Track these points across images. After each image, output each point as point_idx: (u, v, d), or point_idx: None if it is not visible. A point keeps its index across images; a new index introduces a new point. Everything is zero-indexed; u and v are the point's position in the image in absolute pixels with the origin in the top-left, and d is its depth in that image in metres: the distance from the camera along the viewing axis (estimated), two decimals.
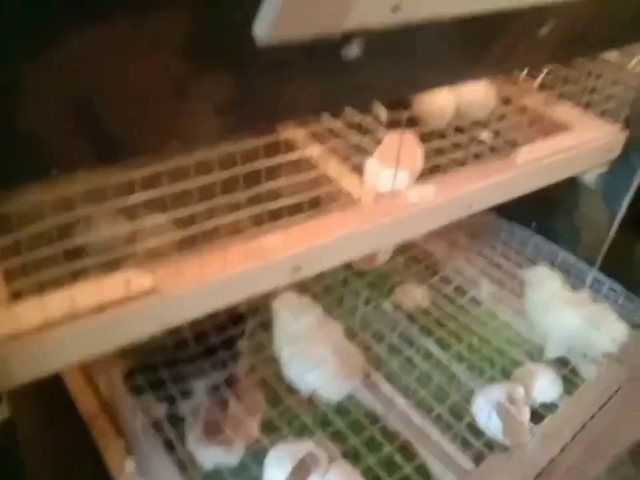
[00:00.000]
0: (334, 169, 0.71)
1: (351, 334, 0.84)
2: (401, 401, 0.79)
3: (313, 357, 0.75)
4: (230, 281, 0.59)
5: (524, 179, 0.79)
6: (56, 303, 0.51)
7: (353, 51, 0.36)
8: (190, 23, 0.29)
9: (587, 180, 1.00)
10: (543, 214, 1.09)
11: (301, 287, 0.84)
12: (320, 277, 0.85)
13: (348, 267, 0.93)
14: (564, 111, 0.92)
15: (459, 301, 0.95)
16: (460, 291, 0.97)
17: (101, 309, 0.52)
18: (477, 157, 0.76)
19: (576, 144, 0.84)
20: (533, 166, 0.79)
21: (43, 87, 0.26)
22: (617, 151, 0.91)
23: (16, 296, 0.54)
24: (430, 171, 0.74)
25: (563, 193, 0.97)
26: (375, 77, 0.38)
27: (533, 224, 1.12)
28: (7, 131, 0.25)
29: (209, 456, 0.71)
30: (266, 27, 0.31)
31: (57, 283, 0.51)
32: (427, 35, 0.39)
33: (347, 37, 0.35)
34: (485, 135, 0.86)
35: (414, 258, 1.04)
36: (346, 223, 0.65)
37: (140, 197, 0.48)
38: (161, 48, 0.28)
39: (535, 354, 0.89)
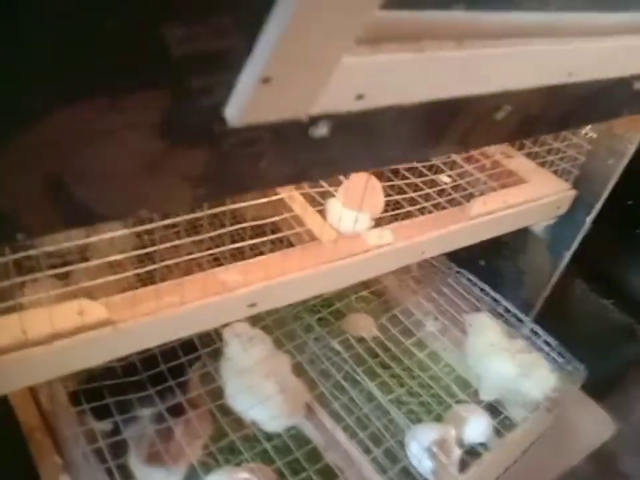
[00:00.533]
0: (299, 209, 0.73)
1: (298, 370, 0.86)
2: (343, 439, 0.81)
3: (257, 391, 0.76)
4: (185, 315, 0.60)
5: (476, 230, 0.84)
6: (6, 329, 0.51)
7: (320, 130, 0.38)
8: (164, 104, 0.30)
9: (535, 228, 1.06)
10: (492, 254, 1.15)
11: (254, 318, 0.86)
12: (273, 309, 0.88)
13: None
14: (521, 165, 0.98)
15: (406, 342, 0.98)
16: (407, 332, 1.00)
17: (52, 338, 0.52)
18: (435, 205, 0.80)
19: (528, 199, 0.90)
20: (485, 218, 0.83)
21: (13, 160, 0.27)
22: (565, 207, 0.97)
23: None
24: (390, 216, 0.77)
25: (511, 237, 1.03)
26: (342, 153, 0.40)
27: (482, 262, 1.18)
28: None
29: (150, 478, 0.72)
30: (236, 112, 0.33)
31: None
32: (390, 117, 0.41)
33: (314, 119, 0.37)
34: (445, 178, 0.90)
35: (367, 295, 1.07)
36: (304, 262, 0.67)
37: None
38: (134, 127, 0.30)
39: (472, 396, 0.93)
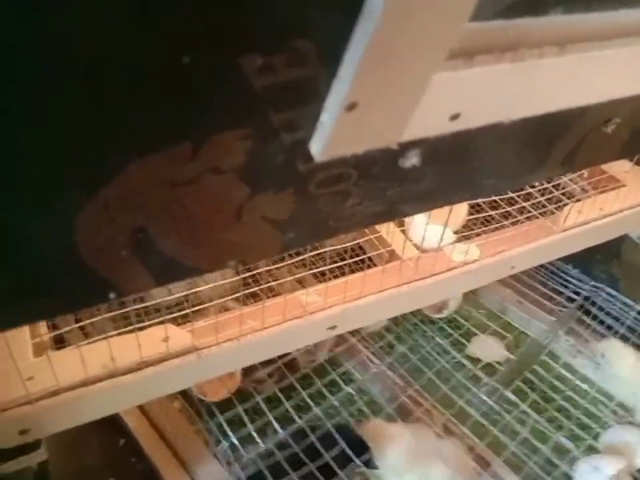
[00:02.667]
0: (382, 228, 0.70)
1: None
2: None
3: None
4: (266, 339, 0.58)
5: (570, 241, 0.77)
6: (95, 357, 0.51)
7: (411, 160, 0.35)
8: (246, 145, 0.28)
9: (631, 233, 0.97)
10: (583, 257, 1.07)
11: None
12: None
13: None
14: (617, 166, 0.89)
15: (539, 357, 0.93)
16: (535, 344, 0.95)
17: (138, 366, 0.52)
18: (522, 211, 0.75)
19: (626, 206, 0.81)
20: (580, 229, 0.77)
21: (98, 217, 0.26)
22: None
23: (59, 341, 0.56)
24: (473, 225, 0.73)
25: None
26: (435, 185, 0.36)
27: (569, 265, 1.11)
28: (71, 263, 0.26)
29: None
30: (320, 146, 0.30)
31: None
32: (488, 139, 0.38)
33: (404, 147, 0.34)
34: None
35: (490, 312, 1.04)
36: (385, 283, 0.64)
37: None
38: (217, 173, 0.28)
39: (620, 413, 0.90)
